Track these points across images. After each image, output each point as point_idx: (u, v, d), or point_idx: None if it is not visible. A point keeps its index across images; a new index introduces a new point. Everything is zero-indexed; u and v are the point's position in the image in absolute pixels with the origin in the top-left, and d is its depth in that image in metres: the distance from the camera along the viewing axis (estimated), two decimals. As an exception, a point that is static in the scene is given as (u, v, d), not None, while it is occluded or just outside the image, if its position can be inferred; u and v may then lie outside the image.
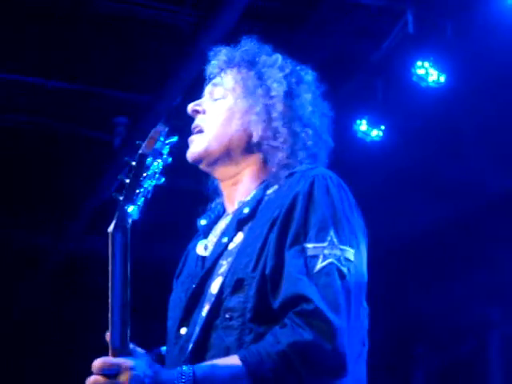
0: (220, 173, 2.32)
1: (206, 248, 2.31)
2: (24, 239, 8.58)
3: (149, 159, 2.11)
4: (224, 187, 2.35)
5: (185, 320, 2.24)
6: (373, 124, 6.66)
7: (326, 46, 6.16)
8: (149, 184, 2.12)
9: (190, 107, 2.34)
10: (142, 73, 6.69)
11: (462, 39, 5.76)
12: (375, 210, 7.92)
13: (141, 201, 2.12)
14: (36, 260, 8.72)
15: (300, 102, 2.26)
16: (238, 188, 2.29)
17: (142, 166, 2.11)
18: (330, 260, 2.00)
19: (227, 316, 2.12)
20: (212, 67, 2.36)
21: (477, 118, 6.47)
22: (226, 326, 2.12)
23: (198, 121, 2.31)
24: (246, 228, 2.18)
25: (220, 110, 2.28)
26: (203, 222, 2.38)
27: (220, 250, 2.23)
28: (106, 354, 2.07)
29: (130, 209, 2.11)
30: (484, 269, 6.85)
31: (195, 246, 2.36)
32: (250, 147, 2.25)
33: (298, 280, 2.01)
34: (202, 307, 2.19)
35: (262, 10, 6.03)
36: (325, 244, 2.01)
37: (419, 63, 5.85)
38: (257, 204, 2.20)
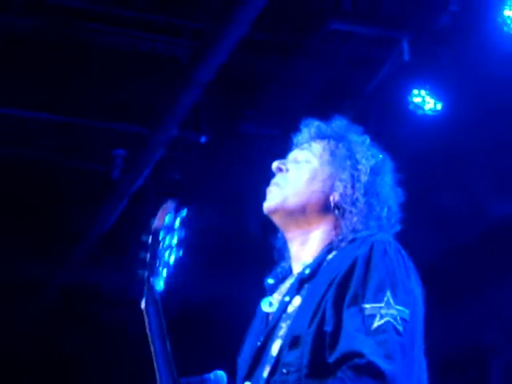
0: (291, 229, 2.42)
1: (270, 305, 2.42)
2: (23, 270, 8.56)
3: (161, 233, 2.28)
4: (292, 246, 2.45)
5: (249, 375, 2.40)
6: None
7: (321, 75, 6.18)
8: (167, 257, 2.29)
9: (275, 165, 2.47)
10: (139, 105, 6.71)
11: (458, 67, 5.78)
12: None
13: (164, 272, 2.29)
14: (34, 291, 8.69)
15: (381, 180, 2.43)
16: (305, 248, 2.40)
17: (156, 241, 2.29)
18: (386, 319, 2.11)
19: (284, 371, 2.25)
20: (301, 136, 2.51)
21: (474, 146, 6.47)
22: (283, 381, 2.25)
23: (279, 177, 2.45)
24: (305, 290, 2.30)
25: (303, 170, 2.42)
26: (271, 281, 2.50)
27: (282, 309, 2.35)
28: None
29: (156, 281, 2.29)
30: (481, 299, 6.82)
31: (261, 303, 2.48)
32: (325, 209, 2.38)
33: (354, 337, 2.12)
34: (264, 367, 2.32)
35: (257, 41, 6.05)
36: (382, 304, 2.13)
37: (415, 91, 5.87)
38: (317, 266, 2.33)
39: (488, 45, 5.38)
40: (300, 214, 2.39)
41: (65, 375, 9.45)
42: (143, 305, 2.30)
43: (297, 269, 2.41)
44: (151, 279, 2.29)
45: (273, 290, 2.47)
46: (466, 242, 7.01)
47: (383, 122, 6.50)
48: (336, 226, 2.38)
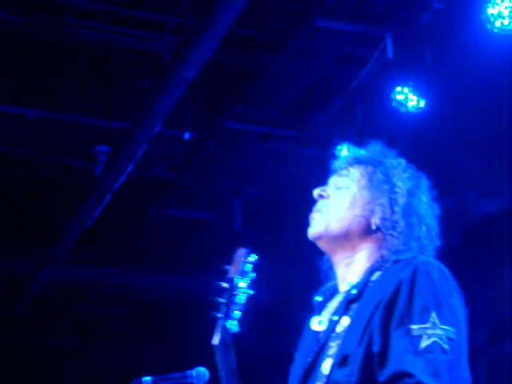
0: (336, 253, 2.55)
1: (320, 323, 2.54)
2: (4, 267, 8.52)
3: (237, 280, 2.50)
4: (338, 267, 2.57)
5: None
6: (354, 150, 6.65)
7: (304, 72, 6.18)
8: (241, 299, 2.51)
9: (316, 192, 2.62)
10: (122, 101, 6.69)
11: (441, 64, 5.79)
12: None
13: (238, 315, 2.51)
14: (16, 288, 8.65)
15: (418, 201, 2.54)
16: (350, 270, 2.52)
17: (233, 287, 2.51)
18: (433, 339, 2.22)
19: None
20: (340, 162, 2.67)
21: (457, 143, 6.49)
22: None
23: (320, 204, 2.59)
24: (353, 310, 2.42)
25: (344, 196, 2.55)
26: (319, 298, 2.61)
27: (331, 328, 2.47)
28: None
29: (230, 324, 2.49)
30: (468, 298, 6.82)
31: (310, 321, 2.60)
32: (367, 233, 2.50)
33: (403, 358, 2.23)
34: (315, 383, 2.44)
35: (241, 37, 6.05)
36: (428, 325, 2.23)
37: (399, 88, 5.88)
38: (363, 287, 2.44)
39: (471, 42, 5.39)
40: (343, 238, 2.51)
41: (47, 372, 9.42)
42: (215, 342, 2.49)
43: (343, 288, 2.54)
44: (226, 322, 2.49)
45: (321, 308, 2.59)
46: (450, 240, 7.02)
47: (367, 119, 6.51)
48: (378, 248, 2.49)
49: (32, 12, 6.03)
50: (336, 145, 6.79)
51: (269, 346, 8.73)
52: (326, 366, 2.40)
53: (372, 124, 6.52)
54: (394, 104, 5.91)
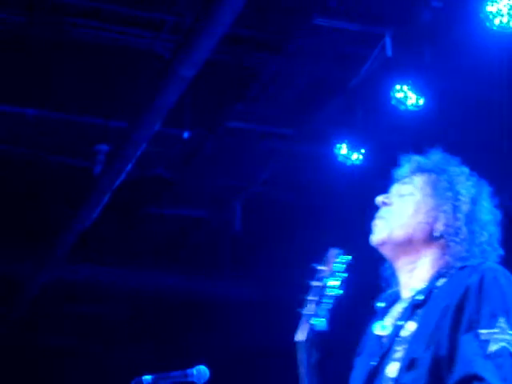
0: (399, 259, 2.59)
1: (383, 328, 2.57)
2: (3, 267, 8.52)
3: (328, 280, 2.51)
4: (400, 274, 2.61)
5: None
6: (353, 148, 6.67)
7: (304, 71, 6.19)
8: (330, 298, 2.52)
9: (379, 199, 2.64)
10: (120, 100, 6.68)
11: (440, 62, 5.79)
12: (357, 233, 7.95)
13: (325, 313, 2.50)
14: (15, 288, 8.66)
15: (481, 208, 2.56)
16: (414, 275, 2.56)
17: (324, 287, 2.51)
18: (501, 344, 2.27)
19: None
20: (403, 170, 2.68)
21: (457, 140, 6.48)
22: None
23: (384, 211, 2.62)
24: (419, 315, 2.47)
25: (407, 203, 2.59)
26: (381, 304, 2.66)
27: (396, 333, 2.51)
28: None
29: (317, 322, 2.50)
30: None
31: (372, 326, 2.63)
32: (430, 239, 2.55)
33: (472, 361, 2.28)
34: None
35: (240, 37, 6.05)
36: (496, 330, 2.28)
37: (398, 87, 5.88)
38: (429, 293, 2.48)
39: (470, 40, 5.39)
40: (407, 244, 2.55)
41: (47, 372, 9.41)
42: (299, 338, 2.49)
43: (406, 294, 2.57)
44: (313, 319, 2.49)
45: (383, 313, 2.63)
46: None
47: (367, 117, 6.51)
48: (441, 254, 2.53)
49: (31, 11, 6.02)
50: (336, 143, 6.82)
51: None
52: (392, 369, 2.46)
53: (371, 122, 6.53)
54: (393, 102, 5.91)
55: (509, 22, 5.09)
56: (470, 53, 5.47)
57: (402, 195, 2.62)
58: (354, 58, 6.11)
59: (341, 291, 2.51)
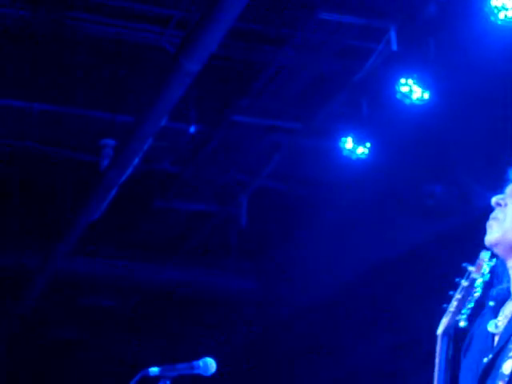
0: (511, 258, 2.67)
1: (496, 327, 2.65)
2: (12, 260, 8.56)
3: (478, 281, 2.63)
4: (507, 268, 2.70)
5: None
6: (358, 142, 6.70)
7: (309, 65, 6.20)
8: (475, 298, 2.64)
9: (494, 200, 2.70)
10: (127, 94, 6.71)
11: (445, 56, 5.79)
12: (362, 227, 7.96)
13: (468, 311, 2.64)
14: (24, 281, 8.71)
15: None
16: None
17: (472, 286, 2.62)
18: None
19: None
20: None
21: (461, 134, 6.50)
22: None
23: (498, 212, 2.69)
24: None
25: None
26: (491, 303, 2.71)
27: (511, 331, 2.59)
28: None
29: (459, 318, 2.63)
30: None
31: (483, 323, 2.71)
32: None
33: None
34: (495, 383, 2.56)
35: (246, 31, 6.07)
36: None
37: (403, 80, 5.90)
38: None
39: (475, 34, 5.39)
40: None
41: (55, 364, 9.46)
42: (440, 332, 2.62)
43: None
44: (455, 316, 2.61)
45: (495, 311, 2.69)
46: (452, 229, 7.04)
47: (372, 111, 6.53)
48: None
49: (37, 6, 6.05)
50: (341, 137, 6.84)
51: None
52: (508, 366, 2.53)
53: (377, 116, 6.54)
54: (398, 96, 5.93)
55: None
56: (475, 47, 5.48)
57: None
58: (359, 52, 6.12)
59: (485, 291, 2.64)
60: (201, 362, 3.20)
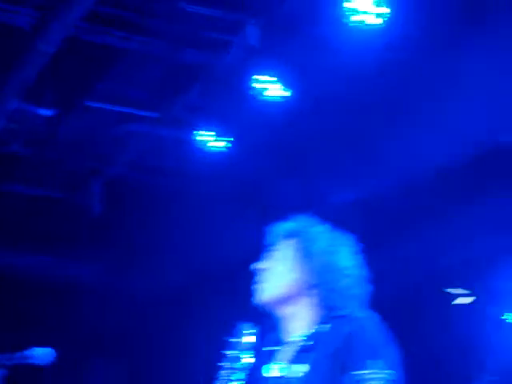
0: (281, 311, 3.03)
1: (270, 371, 2.95)
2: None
3: (242, 353, 2.95)
4: (283, 322, 3.03)
5: None
6: (215, 135, 6.71)
7: (166, 54, 6.15)
8: (242, 369, 2.93)
9: (256, 266, 3.06)
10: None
11: (303, 53, 5.86)
12: (216, 220, 8.00)
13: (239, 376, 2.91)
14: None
15: (342, 257, 3.01)
16: (295, 323, 2.99)
17: (238, 358, 2.95)
18: (377, 382, 2.77)
19: None
20: (273, 236, 3.11)
21: (318, 132, 6.61)
22: None
23: (262, 276, 3.06)
24: (310, 358, 2.88)
25: (281, 266, 3.04)
26: (266, 348, 3.03)
27: (289, 374, 2.89)
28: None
29: None
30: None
31: (262, 369, 3.00)
32: (305, 293, 2.99)
33: None
34: None
35: (104, 16, 5.96)
36: (372, 370, 2.77)
37: (260, 77, 5.94)
38: (314, 338, 2.91)
39: (333, 32, 5.46)
40: (286, 300, 3.00)
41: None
42: None
43: (289, 338, 2.99)
44: None
45: (269, 356, 3.00)
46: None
47: (229, 105, 6.55)
48: (317, 304, 2.99)
49: None
50: (197, 129, 6.83)
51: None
52: None
53: (234, 110, 6.57)
54: (254, 92, 5.96)
55: (368, 19, 5.22)
56: (334, 44, 5.55)
57: (275, 259, 3.06)
58: (218, 44, 6.12)
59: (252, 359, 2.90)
60: (36, 351, 3.13)
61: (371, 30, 5.23)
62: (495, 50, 5.58)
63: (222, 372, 2.87)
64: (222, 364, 2.87)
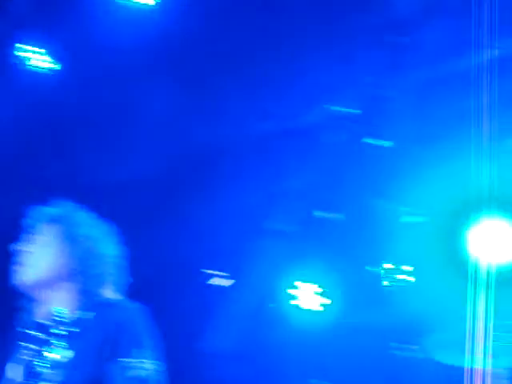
0: (41, 294, 3.05)
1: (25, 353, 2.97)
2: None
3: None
4: (41, 306, 3.05)
5: None
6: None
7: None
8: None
9: (17, 247, 3.09)
10: None
11: (72, 28, 5.73)
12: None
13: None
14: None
15: (103, 244, 3.11)
16: (52, 307, 3.01)
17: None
18: (137, 370, 2.89)
19: None
20: (34, 221, 3.13)
21: (80, 107, 6.48)
22: None
23: (23, 258, 3.07)
24: (74, 345, 2.93)
25: (43, 250, 3.08)
26: (23, 330, 3.03)
27: (48, 358, 2.93)
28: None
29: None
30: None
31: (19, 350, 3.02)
32: (64, 277, 3.04)
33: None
34: None
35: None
36: (138, 360, 2.90)
37: (23, 45, 5.74)
38: (79, 325, 2.96)
39: (94, 10, 5.40)
40: (45, 284, 3.04)
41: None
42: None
43: (46, 321, 3.00)
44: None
45: (27, 339, 3.00)
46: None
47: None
48: (77, 289, 3.05)
49: None
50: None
51: None
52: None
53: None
54: (16, 60, 5.77)
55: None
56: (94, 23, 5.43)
57: (37, 243, 3.10)
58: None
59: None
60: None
61: (141, 9, 5.22)
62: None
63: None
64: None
